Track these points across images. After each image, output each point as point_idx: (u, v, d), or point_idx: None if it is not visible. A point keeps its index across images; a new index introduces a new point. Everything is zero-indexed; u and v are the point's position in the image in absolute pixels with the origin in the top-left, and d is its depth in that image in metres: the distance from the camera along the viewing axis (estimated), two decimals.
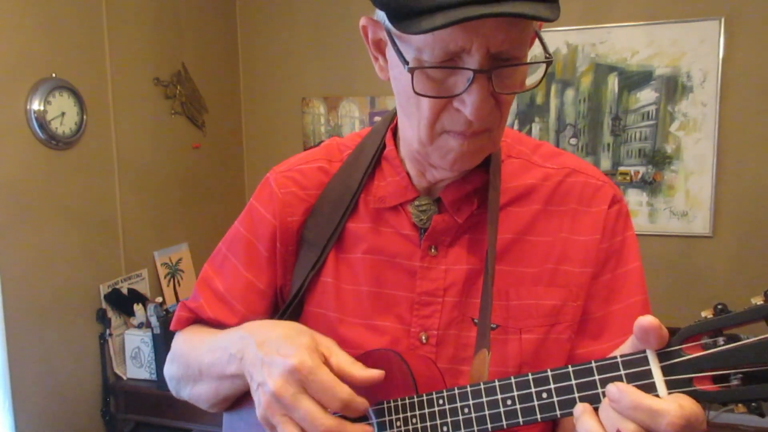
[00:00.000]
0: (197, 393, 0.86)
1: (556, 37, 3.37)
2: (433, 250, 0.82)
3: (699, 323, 0.55)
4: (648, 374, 0.56)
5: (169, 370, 0.93)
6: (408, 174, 0.84)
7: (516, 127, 3.50)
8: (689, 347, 0.55)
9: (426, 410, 0.70)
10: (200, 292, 0.93)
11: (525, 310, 0.80)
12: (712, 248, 3.27)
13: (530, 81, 0.74)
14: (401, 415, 0.72)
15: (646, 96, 3.28)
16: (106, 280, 2.79)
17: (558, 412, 0.61)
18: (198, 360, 0.84)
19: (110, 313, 2.78)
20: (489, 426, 0.65)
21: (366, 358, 0.77)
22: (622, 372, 0.57)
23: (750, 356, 0.52)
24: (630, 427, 0.53)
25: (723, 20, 3.09)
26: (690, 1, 3.16)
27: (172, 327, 0.96)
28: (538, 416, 0.62)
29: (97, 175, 2.75)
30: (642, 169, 3.34)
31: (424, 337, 0.81)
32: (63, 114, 2.49)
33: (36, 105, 2.38)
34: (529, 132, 3.49)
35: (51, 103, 2.43)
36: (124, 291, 2.88)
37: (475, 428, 0.66)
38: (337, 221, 0.85)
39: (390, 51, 0.71)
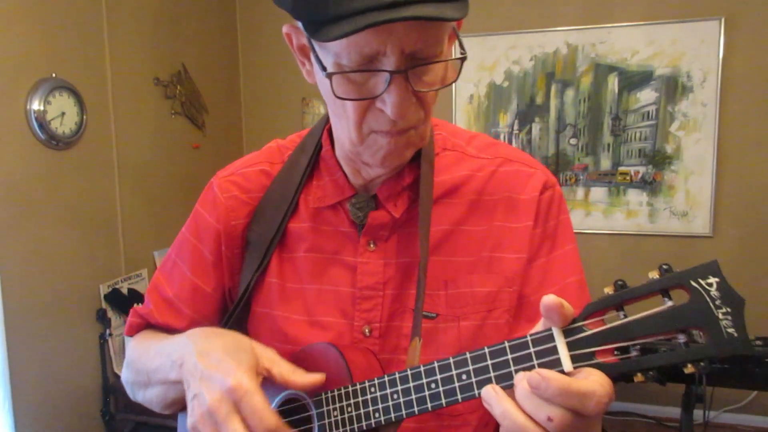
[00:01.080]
0: (148, 397, 0.88)
1: (556, 37, 3.38)
2: (371, 246, 0.84)
3: (601, 300, 0.58)
4: (554, 351, 0.59)
5: (124, 375, 0.95)
6: (344, 173, 0.86)
7: (516, 127, 3.50)
8: (592, 323, 0.58)
9: (360, 398, 0.74)
10: (150, 299, 0.96)
11: (462, 299, 0.82)
12: (712, 248, 3.27)
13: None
14: (338, 405, 0.76)
15: (646, 96, 3.28)
16: (106, 280, 2.79)
17: (476, 392, 0.63)
18: (145, 365, 0.86)
19: (110, 313, 2.78)
20: (416, 409, 0.68)
21: (305, 353, 0.81)
22: (532, 350, 0.60)
23: (645, 328, 0.56)
24: (559, 412, 0.54)
25: (723, 20, 3.09)
26: (690, 1, 3.16)
27: (125, 333, 0.99)
28: (459, 397, 0.65)
29: (97, 175, 2.75)
30: (642, 169, 3.34)
31: (367, 330, 0.84)
32: (63, 114, 2.49)
33: (36, 105, 2.38)
34: (529, 132, 3.49)
35: (51, 103, 2.43)
36: (124, 291, 2.88)
37: (403, 412, 0.70)
38: (279, 222, 0.88)
39: (313, 55, 0.73)
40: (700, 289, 0.55)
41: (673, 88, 3.23)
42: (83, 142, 2.64)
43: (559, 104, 3.43)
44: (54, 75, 2.47)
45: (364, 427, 0.73)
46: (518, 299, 0.84)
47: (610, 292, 0.58)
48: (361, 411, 0.73)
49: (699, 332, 0.55)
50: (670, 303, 0.56)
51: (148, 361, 0.85)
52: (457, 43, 0.74)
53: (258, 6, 3.86)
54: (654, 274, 0.57)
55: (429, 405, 0.67)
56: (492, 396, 0.59)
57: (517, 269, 0.83)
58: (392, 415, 0.71)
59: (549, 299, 0.57)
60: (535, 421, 0.55)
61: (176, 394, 0.81)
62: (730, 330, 0.54)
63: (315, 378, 0.74)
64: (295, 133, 0.96)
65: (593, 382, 0.55)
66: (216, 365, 0.71)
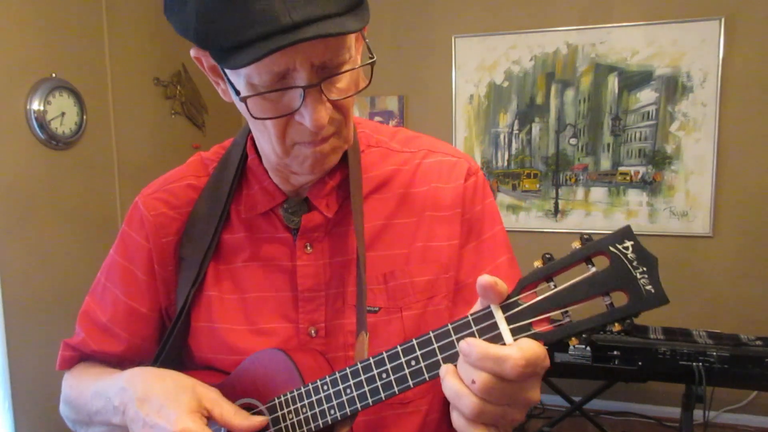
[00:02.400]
0: None
1: (556, 37, 3.38)
2: (308, 248, 0.85)
3: (532, 273, 0.62)
4: (495, 327, 0.62)
5: (63, 410, 0.96)
6: (273, 180, 0.86)
7: (516, 127, 3.51)
8: (526, 296, 0.62)
9: (313, 398, 0.74)
10: (81, 327, 0.95)
11: (402, 290, 0.84)
12: (712, 248, 3.27)
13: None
14: (292, 407, 0.76)
15: (646, 96, 3.28)
16: None
17: (426, 376, 0.66)
18: (86, 406, 0.86)
19: None
20: (370, 400, 0.70)
21: (253, 362, 0.81)
22: (474, 328, 0.63)
23: (574, 295, 0.60)
24: (481, 375, 0.58)
25: (723, 20, 3.09)
26: (690, 1, 3.16)
27: (57, 367, 0.99)
28: (411, 383, 0.67)
29: (97, 175, 2.75)
30: (642, 169, 3.34)
31: (313, 331, 0.84)
32: (63, 114, 2.49)
33: (36, 105, 2.38)
34: (529, 132, 3.50)
35: (51, 103, 2.43)
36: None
37: (358, 405, 0.71)
38: (211, 235, 0.87)
39: (225, 78, 0.73)
40: (617, 253, 0.59)
41: (673, 88, 3.23)
42: (83, 142, 2.64)
43: (559, 104, 3.43)
44: (54, 75, 2.47)
45: (321, 426, 0.74)
46: (455, 284, 0.86)
47: (539, 266, 0.62)
48: (316, 410, 0.74)
49: (621, 292, 0.59)
50: (593, 269, 0.60)
51: (87, 403, 0.85)
52: (365, 46, 0.74)
53: None
54: (576, 245, 0.61)
55: (382, 395, 0.69)
56: (443, 371, 0.62)
57: (451, 255, 0.85)
58: (347, 410, 0.72)
59: (483, 279, 0.60)
60: (465, 384, 0.59)
61: None
62: (648, 287, 0.58)
63: (257, 421, 0.74)
64: (218, 144, 0.95)
65: (513, 346, 0.58)
66: (157, 413, 0.72)
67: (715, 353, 2.45)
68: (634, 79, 3.29)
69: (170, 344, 0.89)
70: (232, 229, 0.88)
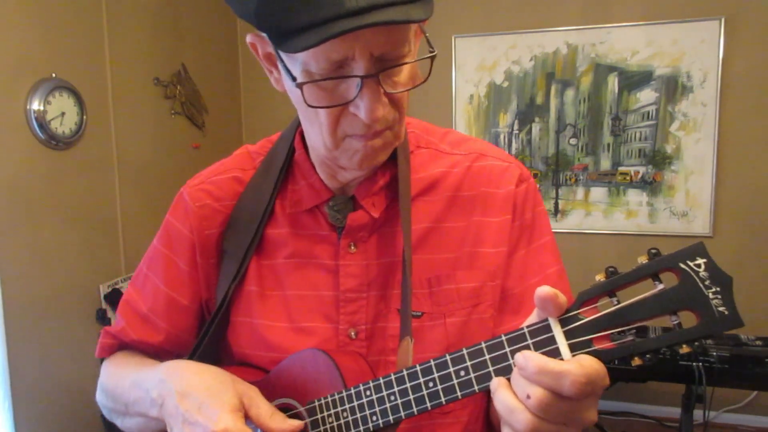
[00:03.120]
0: (128, 426, 0.87)
1: (556, 37, 3.38)
2: (352, 248, 0.83)
3: (593, 287, 0.59)
4: (552, 340, 0.59)
5: (99, 398, 0.95)
6: (319, 176, 0.85)
7: (516, 127, 3.51)
8: (587, 310, 0.59)
9: (355, 402, 0.72)
10: (123, 315, 0.94)
11: (447, 296, 0.82)
12: (712, 248, 3.22)
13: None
14: (332, 411, 0.74)
15: (646, 96, 3.28)
16: (106, 280, 2.79)
17: (476, 387, 0.63)
18: (123, 396, 0.85)
19: (110, 313, 2.78)
20: (414, 409, 0.68)
21: (294, 360, 0.79)
22: (530, 341, 0.60)
23: (639, 312, 0.57)
24: (537, 391, 0.55)
25: (723, 20, 3.09)
26: (690, 1, 3.16)
27: (97, 355, 0.98)
28: (459, 394, 0.65)
29: (97, 175, 2.75)
30: (642, 169, 3.34)
31: (353, 333, 0.82)
32: (63, 114, 2.49)
33: (36, 105, 2.38)
34: (529, 132, 3.49)
35: (51, 103, 2.42)
36: (124, 291, 2.88)
37: (402, 413, 0.68)
38: (255, 229, 0.86)
39: (280, 64, 0.72)
40: (689, 270, 0.56)
41: (673, 88, 3.23)
42: (83, 142, 2.64)
43: (559, 104, 3.43)
44: (54, 75, 2.47)
45: None
46: (501, 292, 0.84)
47: (602, 279, 0.59)
48: (358, 415, 0.72)
49: (691, 312, 0.56)
50: (660, 286, 0.57)
51: (124, 393, 0.84)
52: (425, 40, 0.73)
53: None
54: (643, 259, 0.58)
55: (428, 404, 0.67)
56: (494, 384, 0.60)
57: (499, 263, 0.83)
58: (390, 417, 0.69)
59: (543, 290, 0.58)
60: (519, 399, 0.57)
61: (157, 426, 0.80)
62: (721, 308, 0.55)
63: (295, 425, 0.72)
64: (265, 138, 0.94)
65: (572, 362, 0.55)
66: (198, 409, 0.70)
67: (715, 353, 2.45)
68: (634, 79, 3.29)
69: (209, 338, 0.88)
70: (276, 224, 0.87)
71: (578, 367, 0.54)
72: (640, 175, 3.35)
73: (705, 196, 3.25)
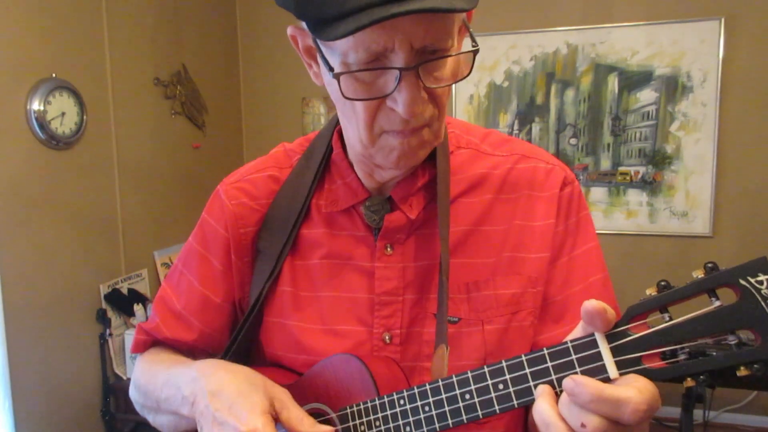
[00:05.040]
0: (159, 422, 0.87)
1: (556, 37, 3.37)
2: (388, 249, 0.81)
3: (644, 301, 0.55)
4: (598, 357, 0.56)
5: (132, 394, 0.93)
6: (357, 175, 0.83)
7: (516, 127, 3.50)
8: (636, 326, 0.55)
9: (388, 412, 0.70)
10: (157, 312, 0.93)
11: (485, 302, 0.79)
12: (712, 248, 3.27)
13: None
14: (365, 419, 0.72)
15: (646, 96, 3.28)
16: (106, 280, 2.79)
17: (515, 402, 0.61)
18: (155, 393, 0.84)
19: (110, 313, 2.78)
20: (450, 422, 0.65)
21: (327, 365, 0.78)
22: (573, 357, 0.57)
23: (694, 330, 0.53)
24: (594, 420, 0.52)
25: (723, 20, 3.09)
26: (690, 1, 3.16)
27: (131, 350, 0.96)
28: (497, 408, 0.62)
29: (97, 175, 2.75)
30: (642, 169, 3.34)
31: (387, 338, 0.80)
32: (63, 114, 2.49)
33: (36, 105, 2.38)
34: (529, 132, 3.49)
35: (51, 103, 2.43)
36: (124, 291, 2.88)
37: (437, 425, 0.66)
38: (290, 229, 0.84)
39: (319, 56, 0.71)
40: (749, 287, 0.52)
41: (673, 88, 3.23)
42: (83, 142, 2.64)
43: (559, 104, 3.43)
44: (54, 75, 2.47)
45: None
46: (542, 300, 0.80)
47: (653, 293, 0.55)
48: (390, 425, 0.70)
49: (750, 332, 0.52)
50: (717, 303, 0.53)
51: (157, 389, 0.83)
52: (468, 36, 0.70)
53: (258, 6, 3.85)
54: (699, 273, 0.54)
55: (464, 417, 0.64)
56: (539, 392, 0.58)
57: (541, 269, 0.80)
58: (425, 429, 0.67)
59: (591, 304, 0.55)
60: (569, 426, 0.53)
61: (187, 426, 0.79)
62: None
63: (326, 430, 0.70)
64: (303, 136, 0.93)
65: (630, 387, 0.52)
66: (228, 409, 0.69)
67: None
68: (634, 79, 3.29)
69: (241, 337, 0.86)
70: (312, 224, 0.85)
71: (638, 393, 0.51)
72: (640, 175, 3.35)
73: (705, 196, 3.25)
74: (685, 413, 2.54)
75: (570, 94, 3.40)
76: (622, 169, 3.37)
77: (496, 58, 3.46)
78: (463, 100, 3.54)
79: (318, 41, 0.68)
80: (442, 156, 0.81)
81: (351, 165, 0.84)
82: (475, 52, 0.67)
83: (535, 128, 3.48)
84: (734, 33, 3.10)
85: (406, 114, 0.66)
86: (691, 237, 3.30)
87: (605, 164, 3.39)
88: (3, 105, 2.29)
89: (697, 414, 2.53)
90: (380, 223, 0.81)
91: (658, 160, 3.31)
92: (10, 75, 2.31)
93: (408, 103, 0.65)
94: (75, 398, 2.64)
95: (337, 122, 0.85)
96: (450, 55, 0.67)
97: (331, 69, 0.67)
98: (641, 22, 3.24)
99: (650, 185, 3.34)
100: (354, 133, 0.73)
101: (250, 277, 0.88)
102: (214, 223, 0.89)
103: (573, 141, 3.44)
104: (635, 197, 3.37)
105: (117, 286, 2.84)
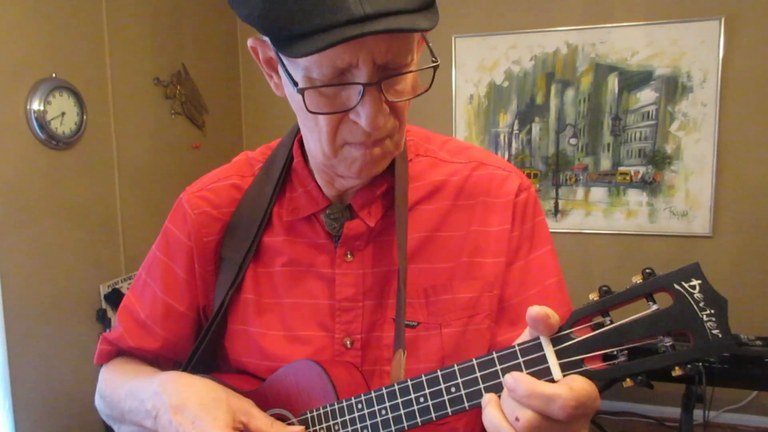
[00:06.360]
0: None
1: (556, 37, 3.38)
2: (348, 256, 0.83)
3: (586, 306, 0.59)
4: (543, 360, 0.59)
5: (98, 403, 0.95)
6: (317, 184, 0.84)
7: (516, 127, 3.51)
8: (579, 330, 0.58)
9: (347, 416, 0.72)
10: (121, 322, 0.94)
11: (443, 306, 0.81)
12: (712, 248, 3.27)
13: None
14: (324, 424, 0.74)
15: (646, 96, 3.28)
16: (106, 280, 2.79)
17: (466, 404, 0.63)
18: (119, 404, 0.85)
19: (110, 313, 2.78)
20: (405, 424, 0.68)
21: (288, 371, 0.79)
22: (521, 360, 0.60)
23: (633, 332, 0.57)
24: (527, 414, 0.55)
25: (723, 20, 3.09)
26: (690, 1, 3.16)
27: (95, 361, 0.98)
28: (449, 410, 0.64)
29: (97, 175, 2.75)
30: (642, 169, 3.34)
31: (348, 343, 0.82)
32: (63, 114, 2.49)
33: (36, 105, 2.38)
34: (529, 132, 3.49)
35: (51, 103, 2.43)
36: (124, 291, 2.88)
37: (393, 428, 0.69)
38: (252, 237, 0.86)
39: (282, 69, 0.72)
40: (683, 291, 0.55)
41: (673, 88, 3.23)
42: (83, 142, 2.64)
43: (559, 104, 3.43)
44: (54, 75, 2.47)
45: None
46: (499, 303, 0.83)
47: (595, 298, 0.58)
48: (349, 428, 0.72)
49: (685, 334, 0.56)
50: (654, 307, 0.56)
51: (121, 401, 0.84)
52: (427, 50, 0.72)
53: None
54: (637, 279, 0.58)
55: (419, 419, 0.67)
56: (484, 402, 0.60)
57: (497, 273, 0.82)
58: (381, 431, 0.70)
59: (534, 310, 0.58)
60: (508, 421, 0.57)
61: None
62: (715, 331, 0.54)
63: (296, 431, 0.73)
64: (264, 144, 0.94)
65: (563, 385, 0.55)
66: (191, 424, 0.71)
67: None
68: (634, 79, 3.29)
69: (205, 345, 0.88)
70: (273, 232, 0.87)
71: (568, 390, 0.54)
72: (640, 175, 3.35)
73: (705, 196, 3.25)
74: (685, 413, 2.54)
75: (570, 94, 3.40)
76: (622, 169, 3.37)
77: (496, 58, 3.46)
78: (463, 100, 3.54)
79: (280, 55, 0.69)
80: (401, 164, 0.83)
81: (311, 173, 0.85)
82: (435, 67, 0.69)
83: (535, 128, 3.48)
84: (734, 33, 3.10)
85: (369, 127, 0.68)
86: (691, 237, 3.30)
87: (605, 164, 3.40)
88: (3, 105, 2.29)
89: (697, 414, 2.53)
90: (340, 230, 0.83)
91: (658, 160, 3.31)
92: (10, 75, 2.31)
93: (371, 117, 0.67)
94: (75, 398, 2.64)
95: (298, 131, 0.87)
96: (411, 71, 0.69)
97: (295, 84, 0.68)
98: (641, 22, 3.24)
99: (650, 185, 3.34)
100: (316, 144, 0.75)
101: (214, 285, 0.89)
102: (177, 232, 0.90)
103: (573, 141, 3.44)
104: (635, 197, 3.37)
105: (117, 286, 2.84)
